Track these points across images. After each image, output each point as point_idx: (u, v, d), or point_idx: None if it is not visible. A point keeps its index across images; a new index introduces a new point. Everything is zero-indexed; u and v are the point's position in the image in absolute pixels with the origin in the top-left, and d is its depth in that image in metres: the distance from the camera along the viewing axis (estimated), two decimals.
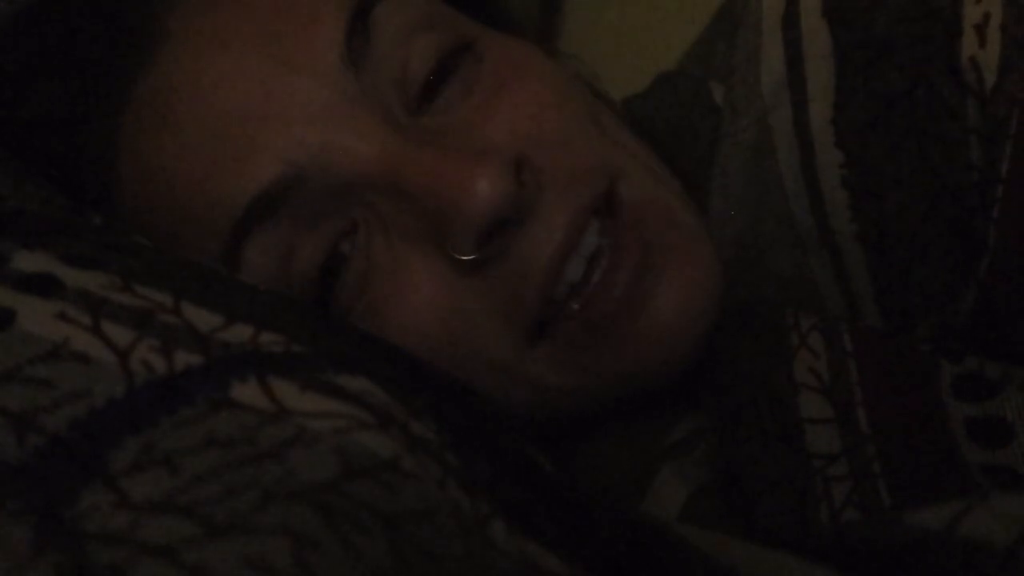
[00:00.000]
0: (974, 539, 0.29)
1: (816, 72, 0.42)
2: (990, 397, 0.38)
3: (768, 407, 0.41)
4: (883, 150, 0.40)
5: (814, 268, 0.44)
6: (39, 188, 0.40)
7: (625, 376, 0.42)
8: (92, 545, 0.24)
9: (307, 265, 0.40)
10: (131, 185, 0.41)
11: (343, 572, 0.25)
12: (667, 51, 0.57)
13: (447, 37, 0.42)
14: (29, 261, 0.32)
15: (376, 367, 0.32)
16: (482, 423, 0.33)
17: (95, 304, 0.31)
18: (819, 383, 0.41)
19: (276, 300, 0.36)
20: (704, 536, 0.34)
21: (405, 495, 0.27)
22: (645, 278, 0.40)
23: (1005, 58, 0.37)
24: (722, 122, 0.47)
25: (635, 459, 0.45)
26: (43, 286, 0.31)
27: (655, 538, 0.32)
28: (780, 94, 0.43)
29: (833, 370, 0.41)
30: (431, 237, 0.39)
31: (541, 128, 0.41)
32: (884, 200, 0.41)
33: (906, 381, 0.40)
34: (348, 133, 0.39)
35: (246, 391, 0.29)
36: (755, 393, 0.41)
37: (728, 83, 0.47)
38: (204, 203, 0.39)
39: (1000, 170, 0.37)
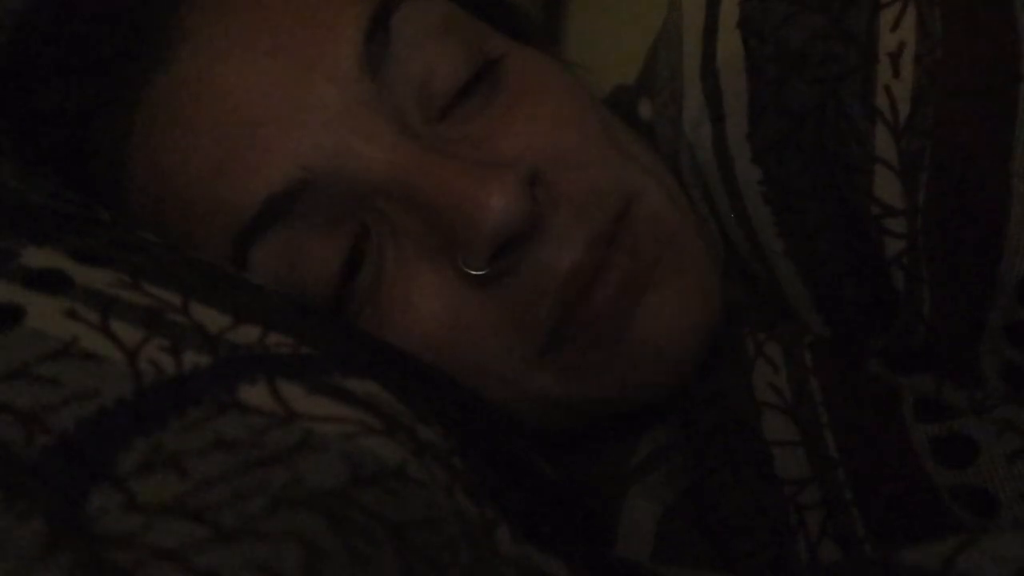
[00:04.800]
0: None
1: (730, 86, 0.41)
2: (952, 416, 0.38)
3: (735, 430, 0.41)
4: (796, 167, 0.40)
5: (759, 281, 0.44)
6: (48, 182, 0.39)
7: (623, 390, 0.42)
8: (101, 547, 0.24)
9: (322, 269, 0.40)
10: (142, 182, 0.40)
11: None
12: None
13: (473, 55, 0.41)
14: (38, 257, 0.32)
15: (384, 371, 0.32)
16: (488, 429, 0.34)
17: (104, 302, 0.30)
18: (781, 401, 0.41)
19: (285, 301, 0.36)
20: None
21: (411, 503, 0.27)
22: (628, 293, 0.40)
23: (918, 89, 0.36)
24: (654, 137, 0.46)
25: (603, 481, 0.45)
26: (52, 283, 0.31)
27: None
28: (700, 110, 0.42)
29: (795, 387, 0.41)
30: (442, 249, 0.39)
31: (558, 145, 0.40)
32: (806, 216, 0.40)
33: (870, 402, 0.40)
34: (362, 138, 0.38)
35: (254, 393, 0.29)
36: (720, 416, 0.41)
37: (657, 99, 0.46)
38: (214, 204, 0.39)
39: (918, 201, 0.36)
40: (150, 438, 0.27)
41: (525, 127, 0.40)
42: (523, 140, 0.40)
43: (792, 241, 0.41)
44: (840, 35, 0.38)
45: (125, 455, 0.26)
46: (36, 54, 0.42)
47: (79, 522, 0.25)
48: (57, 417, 0.27)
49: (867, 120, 0.37)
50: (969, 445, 0.37)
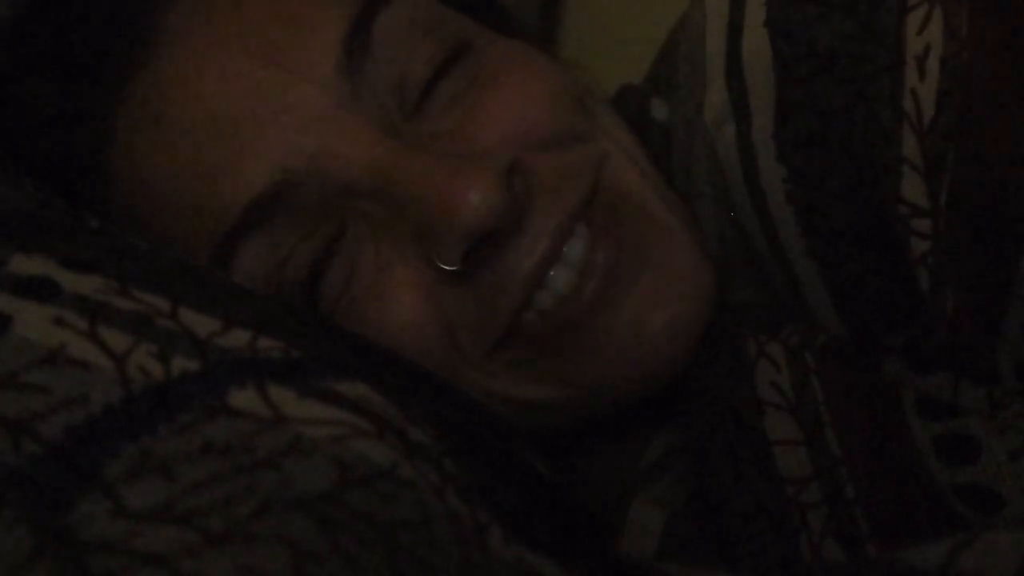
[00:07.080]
0: None
1: (757, 85, 0.41)
2: (955, 415, 0.38)
3: (736, 430, 0.40)
4: (823, 166, 0.39)
5: (774, 281, 0.43)
6: (37, 190, 0.39)
7: (601, 388, 0.41)
8: (88, 553, 0.24)
9: (297, 267, 0.40)
10: (123, 185, 0.40)
11: None
12: None
13: (445, 42, 0.41)
14: (26, 264, 0.32)
15: (375, 373, 0.32)
16: (482, 429, 0.33)
17: (92, 309, 0.30)
18: (783, 400, 0.40)
19: (274, 305, 0.36)
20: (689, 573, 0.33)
21: (402, 504, 0.27)
22: (617, 283, 0.40)
23: (942, 92, 0.36)
24: (672, 137, 0.46)
25: (612, 483, 0.45)
26: (40, 290, 0.31)
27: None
28: (724, 108, 0.42)
29: (796, 386, 0.40)
30: (417, 244, 0.39)
31: (532, 128, 0.41)
32: (830, 215, 0.40)
33: (872, 400, 0.39)
34: (342, 139, 0.38)
35: (244, 397, 0.29)
36: (723, 416, 0.41)
37: (675, 97, 0.46)
38: (195, 207, 0.39)
39: (941, 202, 0.36)
40: (138, 444, 0.27)
41: (501, 113, 0.41)
42: (499, 127, 0.40)
43: (814, 240, 0.40)
44: (869, 37, 0.38)
45: (113, 461, 0.26)
46: (15, 57, 0.42)
47: (65, 529, 0.25)
48: (45, 425, 0.27)
49: (895, 121, 0.37)
50: (972, 443, 0.37)
